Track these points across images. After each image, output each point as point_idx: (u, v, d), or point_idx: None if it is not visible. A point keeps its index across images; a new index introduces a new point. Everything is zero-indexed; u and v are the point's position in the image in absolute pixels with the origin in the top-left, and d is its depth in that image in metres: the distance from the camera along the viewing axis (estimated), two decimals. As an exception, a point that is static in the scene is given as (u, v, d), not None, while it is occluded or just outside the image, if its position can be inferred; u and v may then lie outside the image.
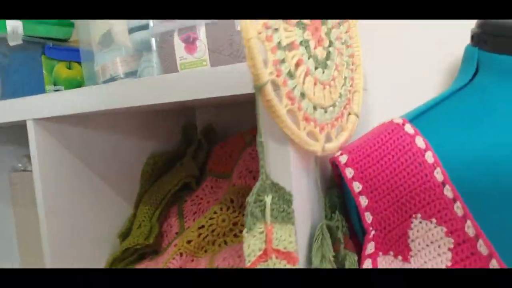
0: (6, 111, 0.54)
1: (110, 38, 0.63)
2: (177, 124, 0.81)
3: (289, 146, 0.35)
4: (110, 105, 0.45)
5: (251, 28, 0.29)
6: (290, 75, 0.33)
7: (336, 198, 0.43)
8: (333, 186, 0.44)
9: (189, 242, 0.55)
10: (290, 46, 0.34)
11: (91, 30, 0.64)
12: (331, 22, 0.42)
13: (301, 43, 0.35)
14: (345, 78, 0.44)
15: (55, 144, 0.55)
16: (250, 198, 0.31)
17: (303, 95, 0.35)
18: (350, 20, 0.48)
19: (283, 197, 0.32)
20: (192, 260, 0.54)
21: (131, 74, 0.62)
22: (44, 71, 0.64)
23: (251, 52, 0.29)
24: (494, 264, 0.31)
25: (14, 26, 0.56)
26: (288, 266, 0.32)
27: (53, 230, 0.54)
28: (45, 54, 0.65)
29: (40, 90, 0.65)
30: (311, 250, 0.36)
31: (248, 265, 0.31)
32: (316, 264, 0.36)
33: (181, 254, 0.54)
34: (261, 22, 0.30)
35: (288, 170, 0.35)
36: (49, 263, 0.53)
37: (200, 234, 0.55)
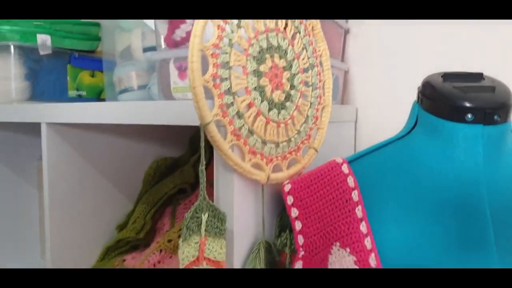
0: (27, 113, 0.65)
1: (129, 53, 0.72)
2: (186, 134, 0.90)
3: (234, 174, 0.42)
4: (117, 120, 0.52)
5: (197, 78, 0.36)
6: (239, 116, 0.40)
7: (287, 219, 0.49)
8: (285, 209, 0.50)
9: (169, 241, 0.63)
10: (241, 91, 0.41)
11: (116, 43, 0.74)
12: (297, 68, 0.48)
13: (255, 88, 0.42)
14: (308, 116, 0.51)
15: (65, 146, 0.65)
16: (188, 214, 0.38)
17: (251, 132, 0.42)
18: (324, 64, 0.54)
19: (218, 216, 0.39)
20: (171, 257, 0.62)
21: (143, 87, 0.71)
22: (68, 78, 0.75)
23: (196, 97, 0.36)
24: (385, 294, 0.37)
25: (43, 39, 0.67)
26: (217, 273, 0.39)
27: (56, 218, 0.64)
28: (70, 63, 0.76)
29: (64, 94, 0.76)
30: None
31: (181, 267, 0.39)
32: (246, 274, 0.42)
33: (160, 251, 0.62)
34: (210, 72, 0.38)
35: (231, 193, 0.42)
36: (48, 248, 0.63)
37: (180, 236, 0.63)
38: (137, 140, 0.78)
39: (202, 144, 0.39)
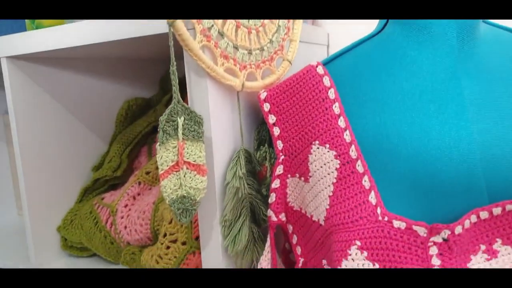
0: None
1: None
2: (157, 74, 0.87)
3: (207, 79, 0.40)
4: (84, 40, 0.48)
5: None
6: (207, 16, 0.39)
7: (265, 133, 0.49)
8: (264, 122, 0.49)
9: (147, 173, 0.62)
10: (208, -10, 0.39)
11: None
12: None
13: (222, -12, 0.40)
14: (279, 26, 0.49)
15: (30, 83, 0.61)
16: (162, 118, 0.37)
17: (221, 34, 0.40)
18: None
19: (194, 119, 0.38)
20: (150, 189, 0.62)
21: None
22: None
23: (161, -8, 0.34)
24: (365, 179, 0.37)
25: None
26: (198, 176, 0.38)
27: (28, 165, 0.61)
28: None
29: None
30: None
31: (161, 172, 0.38)
32: (228, 179, 0.42)
33: (139, 183, 0.61)
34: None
35: (206, 98, 0.41)
36: (24, 194, 0.61)
37: (157, 167, 0.62)
38: (107, 80, 0.75)
39: (171, 43, 0.37)
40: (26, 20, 0.74)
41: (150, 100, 0.81)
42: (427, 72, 0.39)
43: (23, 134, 0.61)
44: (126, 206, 0.59)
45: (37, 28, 0.75)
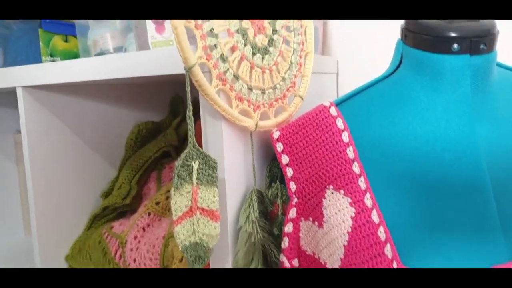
0: (1, 78, 0.61)
1: (101, 15, 0.68)
2: (167, 97, 0.87)
3: (222, 122, 0.40)
4: (94, 76, 0.50)
5: (178, 19, 0.34)
6: (223, 59, 0.39)
7: (277, 169, 0.49)
8: (275, 159, 0.49)
9: (157, 203, 0.62)
10: (224, 34, 0.39)
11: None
12: (279, 11, 0.46)
13: (237, 31, 0.40)
14: (291, 63, 0.49)
15: (43, 112, 0.62)
16: (178, 163, 0.37)
17: (237, 77, 0.40)
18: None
19: (209, 164, 0.38)
20: (160, 219, 0.61)
21: (119, 49, 0.68)
22: (41, 43, 0.70)
23: (178, 39, 0.34)
24: (381, 230, 0.37)
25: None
26: (211, 222, 0.38)
27: (39, 189, 0.61)
28: (42, 28, 0.71)
29: (38, 60, 0.71)
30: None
31: (175, 219, 0.37)
32: (240, 223, 0.42)
33: (149, 214, 0.61)
34: (191, 14, 0.35)
35: (220, 141, 0.40)
36: (34, 218, 0.61)
37: (167, 197, 0.62)
38: (116, 104, 0.75)
39: (188, 89, 0.37)
40: (41, 43, 0.74)
41: (160, 124, 0.81)
42: (441, 119, 0.39)
43: (34, 156, 0.61)
44: (135, 238, 0.59)
45: (51, 53, 0.76)
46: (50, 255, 0.64)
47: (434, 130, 0.38)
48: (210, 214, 0.38)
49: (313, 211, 0.42)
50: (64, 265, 0.65)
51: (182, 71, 0.40)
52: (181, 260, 0.48)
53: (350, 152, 0.40)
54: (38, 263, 0.62)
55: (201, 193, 0.38)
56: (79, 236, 0.67)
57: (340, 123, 0.42)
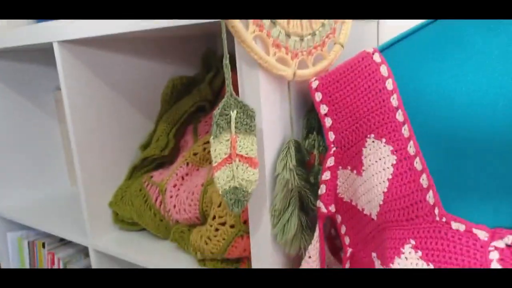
0: (37, 34, 0.62)
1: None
2: (199, 50, 0.87)
3: (259, 70, 0.39)
4: (128, 28, 0.49)
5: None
6: (261, 4, 0.37)
7: (314, 120, 0.48)
8: (313, 110, 0.48)
9: (195, 154, 0.63)
10: (262, -23, 0.37)
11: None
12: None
13: (276, -27, 0.38)
14: (332, 8, 0.47)
15: (79, 64, 0.63)
16: (216, 112, 0.37)
17: (274, 22, 0.39)
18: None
19: (247, 113, 0.38)
20: (198, 169, 0.63)
21: None
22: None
23: (216, -17, 0.33)
24: (423, 178, 0.36)
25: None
26: (250, 169, 0.38)
27: (81, 144, 0.64)
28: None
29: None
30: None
31: (215, 165, 0.38)
32: (278, 170, 0.42)
33: (187, 164, 0.62)
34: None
35: (257, 90, 0.40)
36: (79, 170, 0.64)
37: (204, 149, 0.63)
38: (151, 59, 0.76)
39: (224, 35, 0.36)
40: None
41: (194, 78, 0.81)
42: (498, 63, 0.36)
43: (75, 112, 0.63)
44: (175, 186, 0.61)
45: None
46: (95, 202, 0.67)
47: (489, 76, 0.36)
48: (248, 161, 0.38)
49: (352, 160, 0.42)
50: (108, 211, 0.69)
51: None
52: (219, 206, 0.50)
53: (394, 100, 0.39)
54: (85, 210, 0.66)
55: (240, 141, 0.38)
56: (121, 185, 0.70)
57: (384, 70, 0.40)
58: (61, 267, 0.84)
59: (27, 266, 0.93)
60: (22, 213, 0.86)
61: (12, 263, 0.94)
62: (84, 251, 0.87)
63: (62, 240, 0.90)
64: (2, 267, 0.96)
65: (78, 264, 0.85)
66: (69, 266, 0.83)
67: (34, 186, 0.97)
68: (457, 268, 0.33)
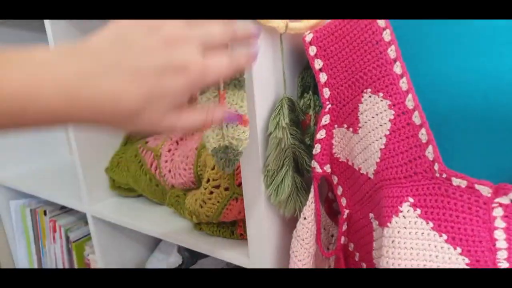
0: None
1: None
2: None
3: (249, 21, 0.37)
4: None
5: None
6: None
7: (310, 79, 0.46)
8: (308, 67, 0.46)
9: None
10: None
11: None
12: None
13: None
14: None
15: (72, 31, 0.60)
16: (202, 65, 0.35)
17: (264, -31, 0.36)
18: None
19: (235, 66, 0.36)
20: (192, 134, 0.61)
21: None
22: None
23: None
24: (423, 132, 0.34)
25: None
26: (240, 127, 0.37)
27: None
28: None
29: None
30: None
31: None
32: (270, 129, 0.40)
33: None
34: None
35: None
36: (73, 139, 0.63)
37: (199, 112, 0.61)
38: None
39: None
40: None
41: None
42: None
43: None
44: (169, 150, 0.59)
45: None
46: (91, 169, 0.67)
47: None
48: (238, 118, 0.37)
49: (348, 117, 0.40)
50: (105, 177, 0.69)
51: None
52: (213, 168, 0.49)
53: (392, 52, 0.36)
54: (81, 176, 0.66)
55: (229, 98, 0.36)
56: (117, 151, 0.69)
57: (381, 20, 0.37)
58: (63, 234, 0.84)
59: (30, 234, 0.94)
60: (23, 182, 0.86)
61: (16, 231, 0.95)
62: (84, 219, 0.87)
63: (63, 208, 0.90)
64: (7, 234, 0.97)
65: (79, 231, 0.85)
66: (70, 233, 0.84)
67: (35, 156, 0.97)
68: (457, 268, 0.32)
